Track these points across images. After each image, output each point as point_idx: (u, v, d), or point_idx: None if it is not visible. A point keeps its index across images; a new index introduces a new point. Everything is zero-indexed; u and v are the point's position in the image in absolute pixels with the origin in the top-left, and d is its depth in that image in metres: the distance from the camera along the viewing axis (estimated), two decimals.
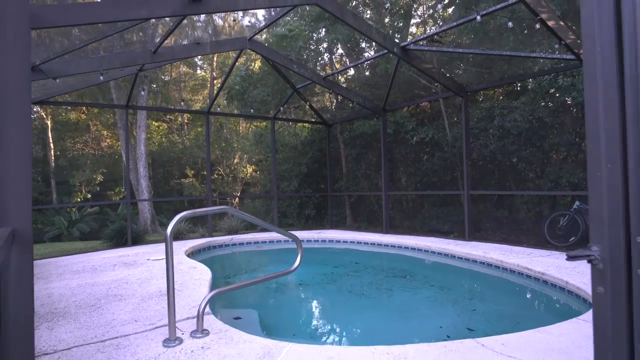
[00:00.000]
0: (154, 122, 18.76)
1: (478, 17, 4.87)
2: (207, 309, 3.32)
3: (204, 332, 2.86)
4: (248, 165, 18.61)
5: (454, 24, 5.80)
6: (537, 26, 4.84)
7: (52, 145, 18.86)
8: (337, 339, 3.80)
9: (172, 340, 2.70)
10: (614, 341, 0.81)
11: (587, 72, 0.87)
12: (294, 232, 7.74)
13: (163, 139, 19.38)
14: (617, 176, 0.79)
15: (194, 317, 3.18)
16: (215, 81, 19.38)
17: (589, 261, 0.83)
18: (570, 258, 0.84)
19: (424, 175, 9.93)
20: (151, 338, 2.80)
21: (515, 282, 5.07)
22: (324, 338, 3.81)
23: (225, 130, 18.89)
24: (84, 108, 18.37)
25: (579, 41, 5.14)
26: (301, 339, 3.63)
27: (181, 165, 18.83)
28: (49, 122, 19.07)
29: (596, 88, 0.84)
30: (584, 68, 0.88)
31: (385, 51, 6.88)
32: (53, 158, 19.17)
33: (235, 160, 18.59)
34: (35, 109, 17.69)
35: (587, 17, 0.87)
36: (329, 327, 4.15)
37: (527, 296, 4.82)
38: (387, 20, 10.53)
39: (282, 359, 2.48)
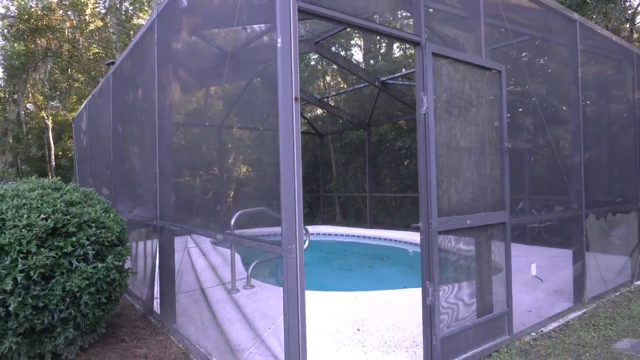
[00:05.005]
0: None
1: None
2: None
3: (251, 286, 4.58)
4: (242, 165, 20.16)
5: None
6: None
7: (52, 145, 20.45)
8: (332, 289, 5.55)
9: (233, 289, 4.42)
10: (426, 260, 2.58)
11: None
12: None
13: None
14: (425, 195, 2.52)
15: (241, 279, 4.90)
16: None
17: (419, 229, 2.58)
18: (412, 228, 2.58)
19: (404, 178, 11.74)
20: (221, 289, 4.52)
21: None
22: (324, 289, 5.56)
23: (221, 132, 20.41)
24: None
25: None
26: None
27: None
28: (49, 123, 20.57)
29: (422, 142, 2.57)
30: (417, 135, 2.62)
31: (368, 83, 8.64)
32: (54, 158, 20.71)
33: (230, 161, 20.12)
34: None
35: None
36: (327, 285, 5.91)
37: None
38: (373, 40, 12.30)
39: None
